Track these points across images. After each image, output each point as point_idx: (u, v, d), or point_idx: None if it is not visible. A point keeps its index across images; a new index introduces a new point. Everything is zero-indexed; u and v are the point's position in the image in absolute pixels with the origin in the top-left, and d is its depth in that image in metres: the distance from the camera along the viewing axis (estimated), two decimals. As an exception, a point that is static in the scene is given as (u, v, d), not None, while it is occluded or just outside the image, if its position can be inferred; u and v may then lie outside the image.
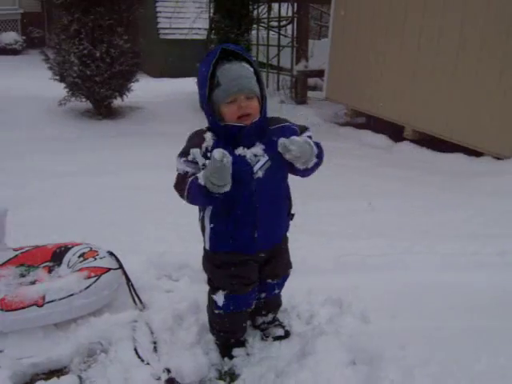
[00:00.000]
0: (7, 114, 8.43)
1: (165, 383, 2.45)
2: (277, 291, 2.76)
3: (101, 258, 3.06)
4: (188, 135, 2.40)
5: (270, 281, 2.67)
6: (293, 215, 2.61)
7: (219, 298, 2.51)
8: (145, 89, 10.45)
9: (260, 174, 2.31)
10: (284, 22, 11.41)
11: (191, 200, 2.28)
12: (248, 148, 2.31)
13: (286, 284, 3.17)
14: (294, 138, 2.23)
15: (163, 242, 3.91)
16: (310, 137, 2.42)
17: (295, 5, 10.65)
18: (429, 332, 2.66)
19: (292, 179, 2.50)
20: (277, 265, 2.63)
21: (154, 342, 2.72)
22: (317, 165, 2.33)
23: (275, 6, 11.66)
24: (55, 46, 8.58)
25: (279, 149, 2.23)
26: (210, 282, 2.59)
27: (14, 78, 12.21)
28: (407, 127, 7.40)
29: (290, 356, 2.61)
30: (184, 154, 2.31)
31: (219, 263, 2.49)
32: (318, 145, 2.35)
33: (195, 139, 2.34)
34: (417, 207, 4.77)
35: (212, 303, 2.58)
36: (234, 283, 2.48)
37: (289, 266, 2.72)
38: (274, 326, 2.84)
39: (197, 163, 2.26)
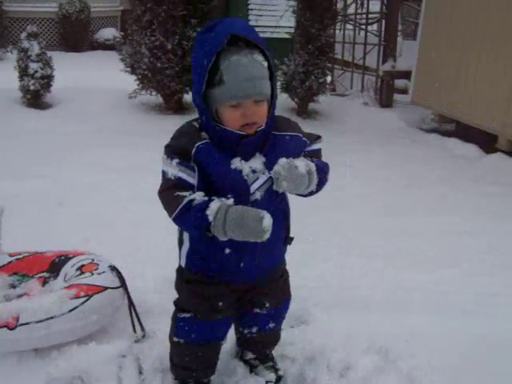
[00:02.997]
0: (79, 104, 8.27)
1: None
2: (272, 325, 2.21)
3: (99, 274, 2.58)
4: (177, 129, 1.89)
5: (258, 311, 2.14)
6: (291, 239, 2.09)
7: (181, 321, 2.05)
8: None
9: (258, 195, 1.85)
10: (372, 20, 10.65)
11: (178, 223, 1.84)
12: (246, 160, 1.82)
13: (319, 319, 2.59)
14: (294, 164, 1.77)
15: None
16: (319, 150, 2.07)
17: (385, 1, 9.87)
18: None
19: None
20: (264, 291, 2.10)
21: (141, 386, 2.19)
22: (314, 192, 1.92)
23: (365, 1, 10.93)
24: (127, 37, 8.33)
25: (272, 174, 1.77)
26: (176, 301, 2.12)
27: (99, 71, 12.22)
28: (501, 137, 6.50)
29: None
30: (176, 153, 1.81)
31: (189, 279, 2.02)
32: (321, 167, 1.93)
33: (187, 137, 1.84)
34: (507, 232, 3.95)
35: (173, 329, 2.10)
36: (200, 304, 2.00)
37: (283, 293, 2.21)
38: (265, 367, 2.30)
39: (193, 169, 1.79)
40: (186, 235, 1.98)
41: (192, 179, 1.80)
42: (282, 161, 1.77)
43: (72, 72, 10.38)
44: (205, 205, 1.73)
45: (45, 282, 2.69)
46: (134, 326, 2.55)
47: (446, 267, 3.29)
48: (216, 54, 1.72)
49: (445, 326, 2.58)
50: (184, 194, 1.77)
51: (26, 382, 2.21)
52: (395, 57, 9.80)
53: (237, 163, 1.80)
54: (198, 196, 1.77)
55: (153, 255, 3.24)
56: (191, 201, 1.75)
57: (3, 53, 15.53)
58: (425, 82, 8.25)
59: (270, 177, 1.81)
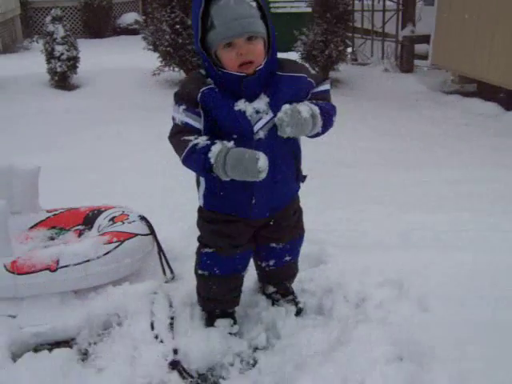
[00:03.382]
0: (104, 84, 8.48)
1: (168, 366, 2.12)
2: (288, 258, 2.38)
3: (129, 223, 2.78)
4: (185, 78, 2.04)
5: (274, 245, 2.31)
6: (304, 177, 2.22)
7: (204, 256, 2.24)
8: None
9: (261, 134, 1.97)
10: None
11: (187, 166, 2.00)
12: (250, 101, 1.94)
13: (337, 259, 2.75)
14: (297, 109, 1.87)
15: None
16: (326, 91, 2.12)
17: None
18: (501, 328, 2.10)
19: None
20: (279, 227, 2.25)
21: (172, 318, 2.39)
22: (320, 133, 2.04)
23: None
24: (148, 15, 8.48)
25: (275, 121, 1.89)
26: (199, 237, 2.30)
27: (123, 54, 12.41)
28: (521, 93, 6.52)
29: (321, 345, 2.17)
30: (182, 99, 1.97)
31: (209, 218, 2.19)
32: (326, 109, 2.01)
33: (193, 83, 1.99)
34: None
35: (197, 263, 2.29)
36: (220, 241, 2.19)
37: (297, 229, 2.35)
38: (286, 300, 2.47)
39: (199, 114, 1.95)
40: (201, 178, 2.13)
41: (198, 124, 1.96)
42: (285, 107, 1.88)
43: (96, 56, 10.60)
44: (207, 148, 1.88)
45: (80, 234, 2.90)
46: (163, 269, 2.76)
47: (459, 210, 3.41)
48: (205, 1, 1.84)
49: (455, 260, 2.69)
50: (189, 138, 1.93)
51: (69, 319, 2.41)
52: (414, 22, 9.76)
53: (241, 105, 1.93)
54: (202, 140, 1.92)
55: (178, 209, 3.43)
56: (195, 145, 1.91)
57: (29, 42, 15.82)
58: (444, 44, 8.22)
59: (274, 116, 1.93)
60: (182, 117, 1.96)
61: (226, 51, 1.88)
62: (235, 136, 1.94)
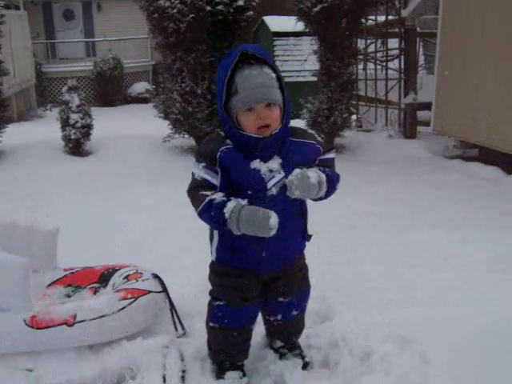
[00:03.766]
0: (116, 151, 8.76)
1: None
2: (295, 312, 2.49)
3: (143, 280, 2.92)
4: (206, 138, 2.26)
5: (282, 299, 2.43)
6: (310, 236, 2.40)
7: (216, 309, 2.38)
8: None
9: (274, 191, 2.17)
10: (391, 57, 11.03)
11: (202, 219, 2.19)
12: (265, 161, 2.15)
13: (342, 315, 2.86)
14: (306, 174, 2.08)
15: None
16: (331, 159, 2.35)
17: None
18: (502, 379, 2.19)
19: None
20: (287, 282, 2.39)
21: (183, 371, 2.48)
22: (323, 198, 2.24)
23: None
24: (159, 87, 8.88)
25: (286, 182, 2.10)
26: (211, 291, 2.45)
27: (134, 121, 12.83)
28: (521, 157, 6.71)
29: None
30: (203, 157, 2.18)
31: (221, 273, 2.34)
32: (332, 177, 2.24)
33: (213, 143, 2.19)
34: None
35: (209, 316, 2.43)
36: (230, 295, 2.33)
37: (304, 285, 2.48)
38: (293, 354, 2.56)
39: (217, 172, 2.15)
40: (215, 231, 2.30)
41: (215, 180, 2.15)
42: (296, 171, 2.09)
43: (108, 124, 10.99)
44: (223, 204, 2.08)
45: (96, 292, 3.03)
46: (175, 326, 2.86)
47: (460, 268, 3.53)
48: (231, 70, 2.09)
49: (459, 315, 2.79)
50: (207, 193, 2.13)
51: (85, 372, 2.51)
52: (416, 90, 10.12)
53: (256, 164, 2.14)
54: (218, 196, 2.11)
55: (189, 268, 3.57)
56: (212, 200, 2.10)
57: (43, 111, 16.38)
58: (445, 111, 8.50)
59: (285, 175, 2.13)
60: (202, 173, 2.15)
61: (246, 115, 2.10)
62: (250, 192, 2.13)
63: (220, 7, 8.04)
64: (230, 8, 8.18)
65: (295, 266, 2.42)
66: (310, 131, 2.40)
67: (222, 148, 2.14)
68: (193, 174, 2.20)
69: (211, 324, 2.40)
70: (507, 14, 6.93)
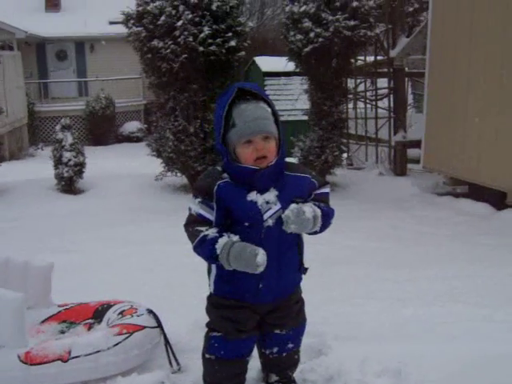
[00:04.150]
0: (109, 189, 8.81)
1: None
2: (291, 345, 2.49)
3: (138, 316, 2.91)
4: (204, 172, 2.31)
5: (278, 332, 2.44)
6: (306, 269, 2.43)
7: (212, 340, 2.38)
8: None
9: (270, 222, 2.21)
10: (381, 96, 11.25)
11: (196, 253, 2.24)
12: (262, 193, 2.20)
13: (337, 350, 2.86)
14: (302, 210, 2.13)
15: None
16: (326, 193, 2.39)
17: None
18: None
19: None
20: (283, 314, 2.40)
21: (178, 408, 2.47)
22: (318, 232, 2.26)
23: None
24: (151, 126, 8.98)
25: (282, 217, 2.14)
26: (208, 323, 2.44)
27: (126, 160, 12.89)
28: (510, 193, 6.79)
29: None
30: (199, 192, 2.23)
31: (218, 304, 2.36)
32: (326, 212, 2.28)
33: (210, 178, 2.24)
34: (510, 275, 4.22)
35: (205, 347, 2.42)
36: (227, 326, 2.33)
37: (299, 318, 2.49)
38: None
39: (212, 207, 2.20)
40: (212, 264, 2.32)
41: (210, 216, 2.20)
42: (292, 206, 2.14)
43: (101, 162, 11.06)
44: (215, 240, 2.13)
45: (90, 328, 3.02)
46: (170, 361, 2.85)
47: (453, 303, 3.57)
48: (229, 105, 2.15)
49: (452, 349, 2.81)
50: (201, 228, 2.18)
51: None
52: (405, 128, 10.28)
53: (253, 196, 2.18)
54: (211, 232, 2.16)
55: (183, 304, 3.58)
56: (206, 236, 2.15)
57: (34, 150, 16.45)
58: (434, 148, 8.63)
59: (281, 207, 2.17)
60: (197, 208, 2.20)
61: (244, 147, 2.15)
62: (247, 223, 2.17)
63: (212, 48, 8.18)
64: (222, 48, 8.32)
65: (292, 298, 2.43)
66: (304, 166, 2.47)
67: (219, 182, 2.19)
68: (189, 209, 2.24)
69: (207, 355, 2.40)
70: (492, 58, 7.11)
